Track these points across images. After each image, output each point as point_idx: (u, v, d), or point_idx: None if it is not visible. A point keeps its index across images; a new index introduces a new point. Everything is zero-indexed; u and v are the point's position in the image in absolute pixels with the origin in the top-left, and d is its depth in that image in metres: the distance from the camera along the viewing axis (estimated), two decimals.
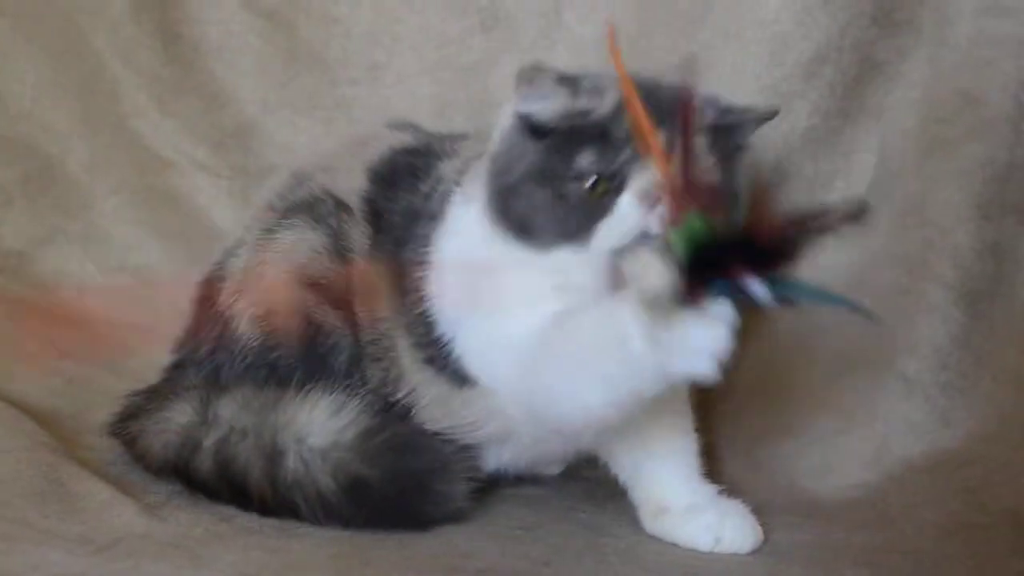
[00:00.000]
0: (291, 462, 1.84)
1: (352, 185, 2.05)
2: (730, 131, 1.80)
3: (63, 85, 2.51)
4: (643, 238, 1.71)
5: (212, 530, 1.79)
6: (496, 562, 1.75)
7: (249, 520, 1.83)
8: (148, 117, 2.52)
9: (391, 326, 1.97)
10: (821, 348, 2.29)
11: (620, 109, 1.72)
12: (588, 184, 1.73)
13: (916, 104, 2.29)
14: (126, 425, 2.03)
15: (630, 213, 1.72)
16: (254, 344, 1.97)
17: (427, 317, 1.92)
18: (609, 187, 1.73)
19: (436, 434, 1.93)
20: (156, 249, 2.52)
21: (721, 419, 2.19)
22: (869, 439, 2.19)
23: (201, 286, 2.09)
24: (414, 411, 1.95)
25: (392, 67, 2.49)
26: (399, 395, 1.96)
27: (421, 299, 1.92)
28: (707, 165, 1.74)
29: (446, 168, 2.01)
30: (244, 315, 1.98)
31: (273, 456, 1.85)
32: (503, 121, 1.85)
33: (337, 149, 2.20)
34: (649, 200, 1.71)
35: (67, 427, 2.15)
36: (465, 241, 1.89)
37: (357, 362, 1.95)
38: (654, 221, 1.70)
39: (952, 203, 2.22)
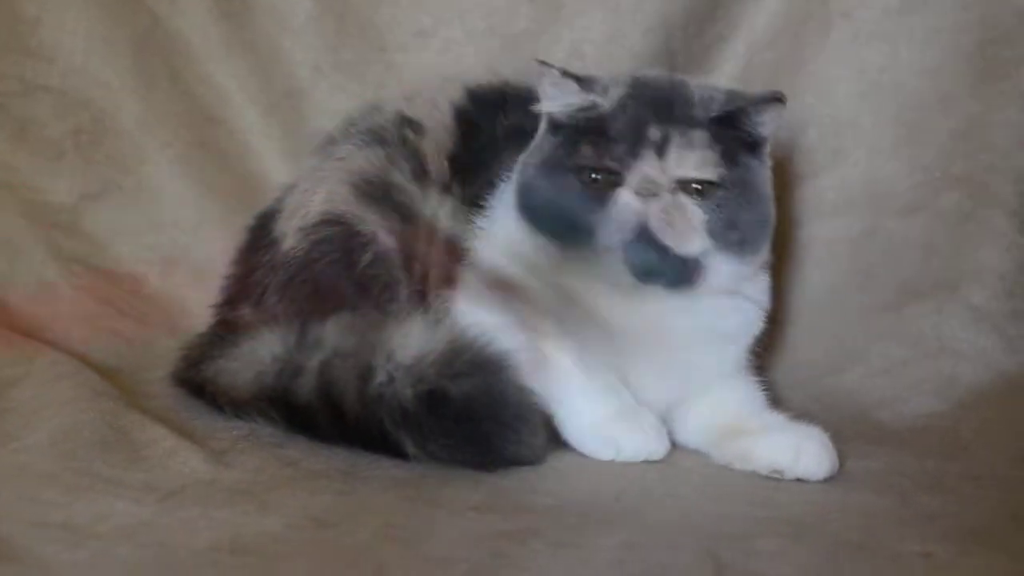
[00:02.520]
0: (379, 377, 1.83)
1: (439, 99, 2.09)
2: (737, 120, 1.81)
3: (115, 40, 2.48)
4: (643, 233, 1.75)
5: (278, 475, 1.78)
6: (565, 498, 1.74)
7: (315, 463, 1.82)
8: (201, 74, 2.50)
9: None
10: (876, 276, 2.28)
11: (621, 105, 1.80)
12: (588, 177, 1.78)
13: (972, 25, 2.26)
14: (197, 369, 2.03)
15: (628, 206, 1.75)
16: (299, 256, 1.99)
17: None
18: (609, 182, 1.77)
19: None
20: (207, 206, 2.51)
21: (779, 352, 2.18)
22: (938, 368, 2.19)
23: (256, 219, 2.13)
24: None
25: (439, 34, 2.47)
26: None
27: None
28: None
29: None
30: (291, 232, 2.01)
31: (366, 374, 1.84)
32: (541, 124, 1.90)
33: (417, 83, 2.24)
34: (647, 195, 1.75)
35: (128, 381, 2.16)
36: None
37: (393, 266, 1.97)
38: (653, 215, 1.74)
39: (1013, 124, 2.22)
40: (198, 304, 2.37)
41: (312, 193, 2.03)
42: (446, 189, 2.00)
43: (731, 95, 1.83)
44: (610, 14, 2.40)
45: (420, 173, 2.01)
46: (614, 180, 1.77)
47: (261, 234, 2.08)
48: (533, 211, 1.85)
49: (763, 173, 1.85)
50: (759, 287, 1.95)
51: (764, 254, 1.89)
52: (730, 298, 1.89)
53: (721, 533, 1.64)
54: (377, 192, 1.99)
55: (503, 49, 2.45)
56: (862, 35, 2.31)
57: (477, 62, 2.44)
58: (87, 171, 2.49)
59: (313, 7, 2.50)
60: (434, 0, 2.48)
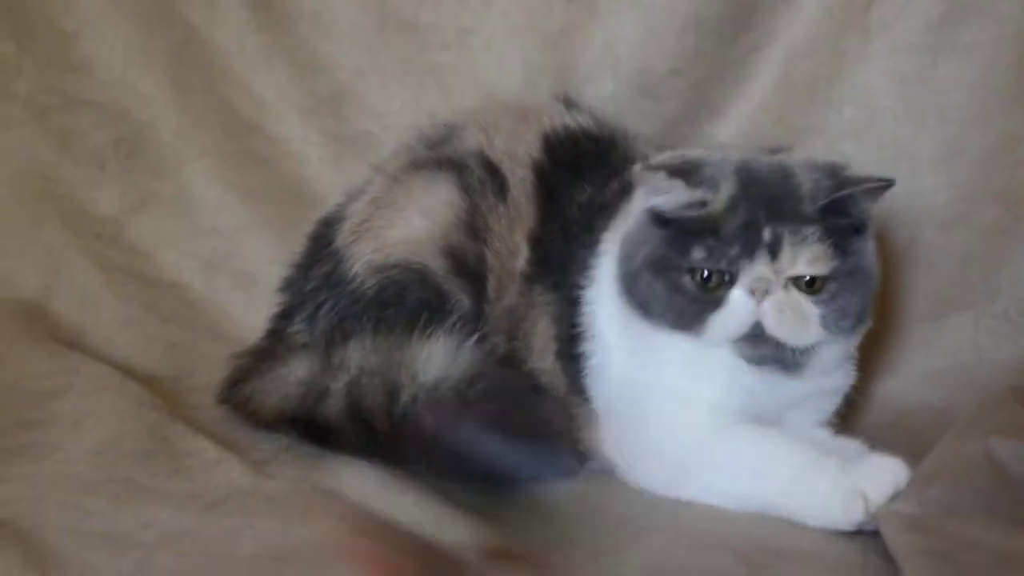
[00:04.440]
0: (404, 397, 1.85)
1: (518, 149, 2.07)
2: (848, 206, 1.76)
3: (152, 51, 2.52)
4: (756, 330, 1.73)
5: (319, 484, 1.79)
6: (601, 507, 1.76)
7: (356, 474, 1.83)
8: (238, 83, 2.52)
9: (537, 305, 1.99)
10: (915, 288, 2.29)
11: (733, 204, 1.74)
12: (700, 278, 1.74)
13: (1010, 40, 2.25)
14: (237, 389, 2.04)
15: (741, 306, 1.73)
16: (369, 292, 1.98)
17: (576, 320, 1.93)
18: (721, 281, 1.74)
19: (551, 398, 1.93)
20: (247, 212, 2.53)
21: None
22: (975, 378, 2.20)
23: (318, 224, 2.12)
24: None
25: (481, 33, 2.46)
26: (522, 369, 1.97)
27: (579, 300, 1.93)
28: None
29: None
30: (361, 258, 2.00)
31: (393, 392, 1.86)
32: (637, 204, 1.86)
33: (489, 110, 2.19)
34: (759, 293, 1.72)
35: (170, 389, 2.19)
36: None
37: (468, 331, 1.93)
38: (766, 313, 1.72)
39: None
40: (240, 309, 2.47)
41: (387, 225, 2.01)
42: (528, 279, 2.00)
43: (837, 178, 1.77)
44: (644, 14, 2.39)
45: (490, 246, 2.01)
46: (727, 280, 1.74)
47: (321, 243, 2.08)
48: (641, 303, 1.81)
49: (870, 252, 1.81)
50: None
51: (869, 323, 1.85)
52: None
53: (755, 537, 1.66)
54: (457, 249, 2.00)
55: (542, 46, 2.45)
56: (902, 47, 2.30)
57: (517, 59, 2.46)
58: (128, 182, 2.52)
59: (355, 12, 2.50)
60: None
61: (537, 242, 2.01)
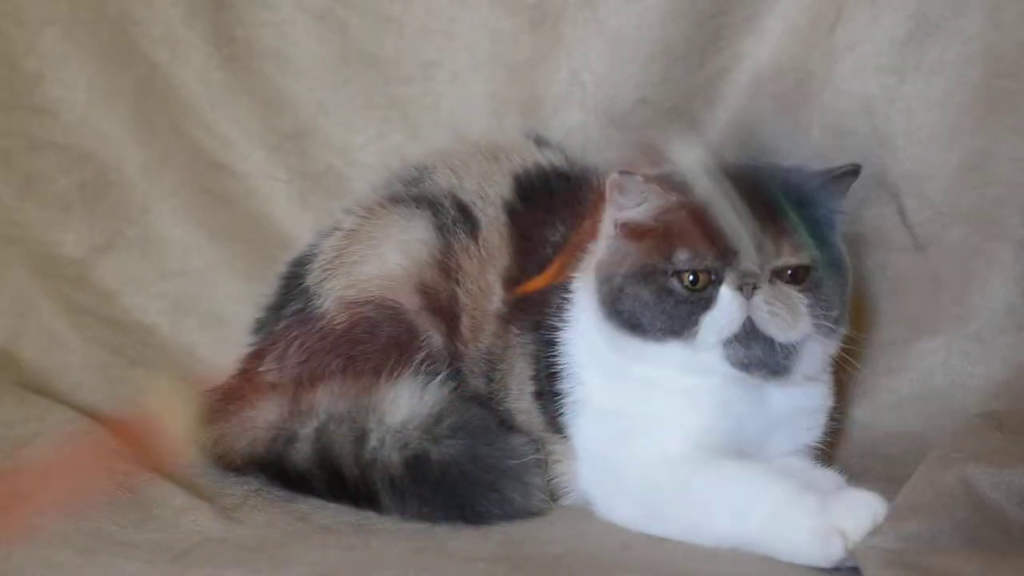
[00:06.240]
0: (372, 441, 1.86)
1: (489, 190, 2.08)
2: (820, 196, 1.79)
3: (116, 91, 2.50)
4: (748, 326, 1.73)
5: (289, 530, 1.79)
6: (574, 547, 1.74)
7: (325, 518, 1.84)
8: (203, 121, 2.50)
9: (513, 346, 1.98)
10: (886, 311, 2.29)
11: (708, 204, 1.74)
12: (688, 280, 1.74)
13: (976, 58, 2.24)
14: (204, 431, 2.04)
15: (731, 303, 1.73)
16: (339, 328, 1.99)
17: (552, 360, 1.93)
18: (708, 280, 1.74)
19: (518, 434, 1.93)
20: (214, 252, 2.52)
21: None
22: (947, 403, 2.20)
23: (290, 265, 2.12)
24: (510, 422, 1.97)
25: (446, 65, 2.46)
26: (500, 408, 1.98)
27: (555, 341, 1.92)
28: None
29: None
30: (332, 295, 2.01)
31: (360, 437, 1.86)
32: (606, 229, 1.86)
33: (459, 151, 2.19)
34: (748, 289, 1.72)
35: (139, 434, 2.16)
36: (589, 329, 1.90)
37: (436, 368, 1.95)
38: (757, 307, 1.72)
39: (1019, 158, 2.21)
40: (208, 351, 2.44)
41: (361, 261, 2.03)
42: (503, 320, 2.00)
43: (805, 173, 1.82)
44: (610, 42, 2.38)
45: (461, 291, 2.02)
46: (713, 279, 1.74)
47: (293, 282, 2.08)
48: (628, 317, 1.80)
49: (842, 246, 1.85)
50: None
51: (845, 327, 1.85)
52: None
53: (732, 574, 1.65)
54: (430, 287, 2.01)
55: (508, 78, 2.45)
56: (868, 67, 2.29)
57: (483, 92, 2.46)
58: (94, 223, 2.51)
59: (316, 46, 2.50)
60: (439, 31, 2.47)
61: (513, 283, 2.01)
